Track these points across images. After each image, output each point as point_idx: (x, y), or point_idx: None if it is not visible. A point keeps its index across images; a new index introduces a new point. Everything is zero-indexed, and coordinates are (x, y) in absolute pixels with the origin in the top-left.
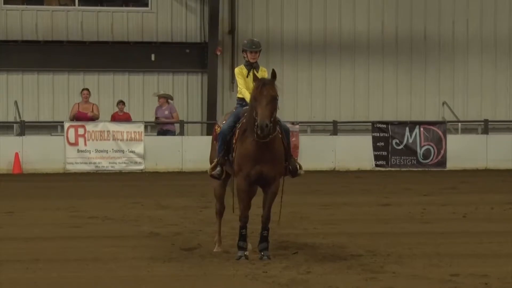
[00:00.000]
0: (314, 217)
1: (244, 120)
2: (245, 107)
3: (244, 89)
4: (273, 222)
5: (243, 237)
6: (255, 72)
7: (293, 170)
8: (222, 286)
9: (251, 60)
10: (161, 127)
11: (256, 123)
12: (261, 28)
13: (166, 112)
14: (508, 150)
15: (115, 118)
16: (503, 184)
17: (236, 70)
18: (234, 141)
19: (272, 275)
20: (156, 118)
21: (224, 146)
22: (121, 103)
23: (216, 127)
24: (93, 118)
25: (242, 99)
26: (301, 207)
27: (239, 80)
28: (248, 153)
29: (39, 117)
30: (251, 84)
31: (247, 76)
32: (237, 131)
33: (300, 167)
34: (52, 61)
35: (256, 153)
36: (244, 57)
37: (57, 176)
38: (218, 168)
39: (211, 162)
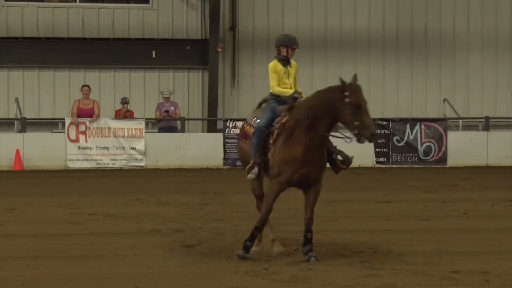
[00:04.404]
0: (315, 213)
1: (287, 120)
2: (282, 105)
3: (278, 87)
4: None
5: (252, 238)
6: (289, 68)
7: (346, 161)
8: (223, 283)
9: (290, 57)
10: (169, 123)
11: (371, 132)
12: (262, 25)
13: (172, 108)
14: (509, 147)
15: (119, 114)
16: (504, 181)
17: (271, 65)
18: (271, 141)
19: (273, 271)
20: (161, 114)
21: (260, 145)
22: (125, 103)
23: (246, 126)
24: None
25: (277, 95)
26: (302, 203)
27: (273, 76)
28: (295, 157)
29: (40, 113)
30: (287, 81)
31: (283, 73)
32: (276, 131)
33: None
34: (53, 58)
35: (305, 157)
36: (280, 52)
37: (58, 173)
38: (255, 169)
39: (244, 165)
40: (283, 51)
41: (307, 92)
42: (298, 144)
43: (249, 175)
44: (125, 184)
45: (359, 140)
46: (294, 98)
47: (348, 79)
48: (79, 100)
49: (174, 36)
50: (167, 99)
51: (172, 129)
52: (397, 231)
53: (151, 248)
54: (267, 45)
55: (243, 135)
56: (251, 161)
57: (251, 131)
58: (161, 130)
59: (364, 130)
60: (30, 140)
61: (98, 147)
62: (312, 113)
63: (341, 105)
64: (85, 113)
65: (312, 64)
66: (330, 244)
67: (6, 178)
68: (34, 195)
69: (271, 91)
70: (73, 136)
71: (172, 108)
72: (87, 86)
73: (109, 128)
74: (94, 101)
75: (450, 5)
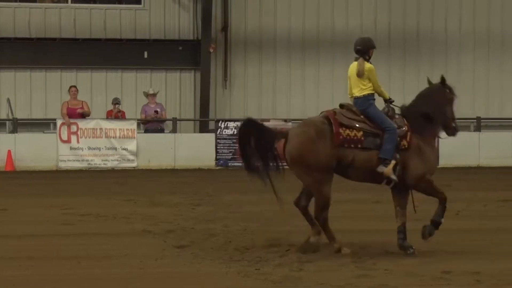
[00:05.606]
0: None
1: (405, 122)
2: (385, 108)
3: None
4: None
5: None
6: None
7: None
8: (214, 284)
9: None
10: (156, 125)
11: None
12: (254, 25)
13: (159, 110)
14: (500, 148)
15: (110, 115)
16: (495, 181)
17: (372, 67)
18: (405, 142)
19: (265, 272)
20: (149, 116)
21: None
22: (116, 104)
23: (344, 129)
24: (84, 115)
25: (373, 95)
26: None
27: (376, 78)
28: (435, 156)
29: (31, 114)
30: None
31: None
32: (409, 133)
33: None
34: (45, 58)
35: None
36: (370, 54)
37: (49, 174)
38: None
39: (321, 172)
40: (371, 53)
41: (300, 92)
42: (433, 143)
43: (393, 177)
44: (117, 184)
45: (454, 133)
46: (390, 101)
47: (341, 79)
48: (67, 101)
49: (166, 36)
50: (152, 98)
51: (159, 131)
52: (389, 232)
53: (143, 249)
54: (259, 46)
55: (349, 140)
56: (392, 162)
57: (359, 134)
58: (148, 132)
59: (456, 125)
60: (21, 140)
61: (89, 148)
62: (435, 111)
63: (450, 103)
64: (75, 113)
65: (304, 64)
66: (322, 244)
67: None
68: (26, 196)
69: (371, 91)
70: (64, 137)
71: (159, 110)
72: (74, 86)
73: (100, 128)
74: (83, 101)
75: (442, 5)
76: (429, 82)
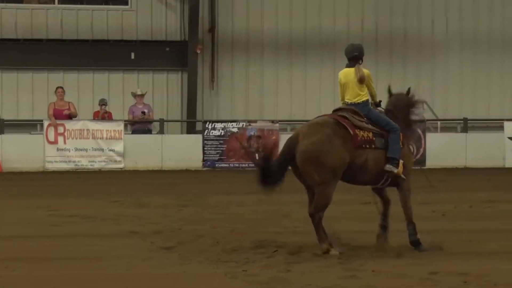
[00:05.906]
0: (295, 215)
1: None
2: (378, 109)
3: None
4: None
5: (415, 231)
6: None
7: None
8: (202, 285)
9: None
10: (143, 126)
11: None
12: (241, 27)
13: (146, 111)
14: (487, 149)
15: (97, 116)
16: (482, 182)
17: (369, 72)
18: (400, 143)
19: (252, 273)
20: (136, 116)
21: None
22: (103, 105)
23: (360, 131)
24: (71, 116)
25: (368, 100)
26: (282, 205)
27: (373, 84)
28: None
29: (18, 115)
30: None
31: None
32: (401, 134)
33: None
34: (32, 60)
35: None
36: (363, 59)
37: (36, 175)
38: None
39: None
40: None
41: (287, 93)
42: (409, 139)
43: (404, 177)
44: (104, 185)
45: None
46: (380, 102)
47: (328, 80)
48: (54, 102)
49: (153, 37)
50: (140, 98)
51: (147, 132)
52: (376, 233)
53: (130, 250)
54: (246, 47)
55: (365, 141)
56: (401, 162)
57: (370, 135)
58: (135, 133)
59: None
60: (8, 141)
61: (76, 149)
62: (409, 114)
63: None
64: (62, 114)
65: (291, 65)
66: (309, 245)
67: None
68: (13, 197)
69: (368, 97)
70: (51, 138)
71: (146, 111)
72: (61, 88)
73: (87, 129)
74: (69, 102)
75: (428, 7)
76: (389, 91)
